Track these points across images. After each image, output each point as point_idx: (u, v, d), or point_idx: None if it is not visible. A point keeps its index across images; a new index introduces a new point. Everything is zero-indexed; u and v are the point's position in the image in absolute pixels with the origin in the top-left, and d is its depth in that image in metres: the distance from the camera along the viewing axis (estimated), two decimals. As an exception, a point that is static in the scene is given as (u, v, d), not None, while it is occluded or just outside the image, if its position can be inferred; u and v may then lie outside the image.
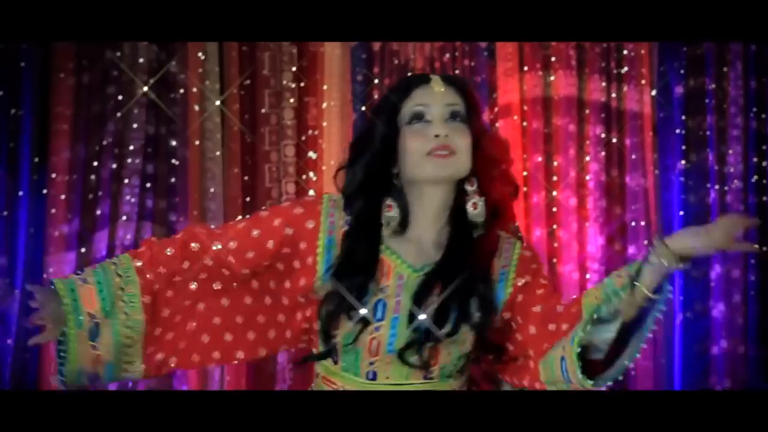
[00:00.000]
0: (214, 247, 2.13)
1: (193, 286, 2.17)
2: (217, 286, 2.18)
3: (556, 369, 1.96)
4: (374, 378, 2.08)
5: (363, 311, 2.04)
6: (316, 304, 2.11)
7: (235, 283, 2.18)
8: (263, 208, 2.18)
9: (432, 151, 2.03)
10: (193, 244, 2.15)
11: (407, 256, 2.09)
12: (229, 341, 2.19)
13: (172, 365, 2.18)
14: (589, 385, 1.91)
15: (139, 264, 2.14)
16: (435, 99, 2.05)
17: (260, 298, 2.20)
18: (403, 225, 2.10)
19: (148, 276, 2.14)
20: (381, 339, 2.06)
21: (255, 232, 2.13)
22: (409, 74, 2.15)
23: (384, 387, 2.09)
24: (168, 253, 2.15)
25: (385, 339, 2.05)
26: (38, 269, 4.55)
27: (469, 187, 2.07)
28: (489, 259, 2.09)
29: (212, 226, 2.23)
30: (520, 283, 2.11)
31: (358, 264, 2.05)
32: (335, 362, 2.11)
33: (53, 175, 4.56)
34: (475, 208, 2.06)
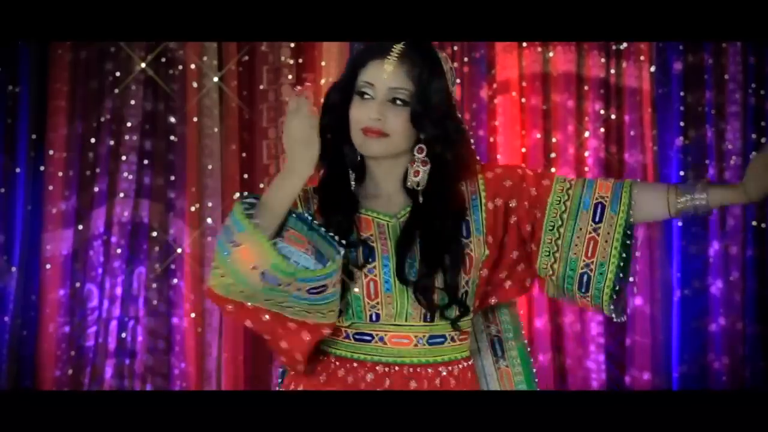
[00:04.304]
0: None
1: None
2: None
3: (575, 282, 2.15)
4: (377, 319, 2.17)
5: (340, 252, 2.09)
6: None
7: None
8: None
9: (365, 130, 2.13)
10: None
11: (381, 208, 2.20)
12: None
13: None
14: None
15: None
16: (381, 80, 2.13)
17: None
18: (360, 182, 2.21)
19: None
20: (377, 279, 2.15)
21: None
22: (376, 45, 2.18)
23: (386, 328, 2.17)
24: None
25: (381, 278, 2.15)
26: (36, 246, 4.55)
27: (417, 155, 2.17)
28: (457, 215, 2.18)
29: None
30: (491, 207, 2.20)
31: (337, 215, 2.16)
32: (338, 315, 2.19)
33: (51, 152, 4.56)
34: (417, 175, 2.17)
